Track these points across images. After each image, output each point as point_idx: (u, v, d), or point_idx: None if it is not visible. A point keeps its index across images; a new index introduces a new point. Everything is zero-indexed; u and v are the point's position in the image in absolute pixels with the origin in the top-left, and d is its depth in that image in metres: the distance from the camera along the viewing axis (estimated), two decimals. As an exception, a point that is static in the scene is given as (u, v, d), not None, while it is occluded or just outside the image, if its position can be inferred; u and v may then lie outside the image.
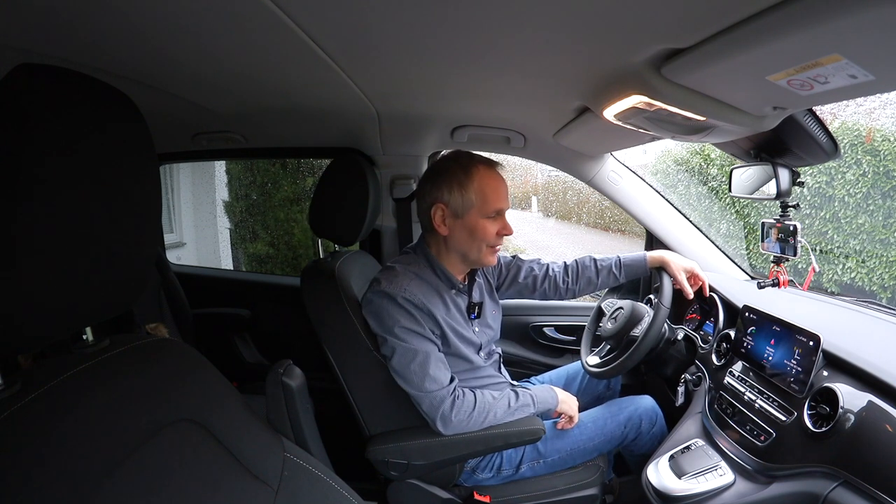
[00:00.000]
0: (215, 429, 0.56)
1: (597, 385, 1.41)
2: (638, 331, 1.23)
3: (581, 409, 1.22)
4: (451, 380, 1.04)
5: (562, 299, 1.38)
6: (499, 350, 1.28)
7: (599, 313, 1.43)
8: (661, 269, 1.28)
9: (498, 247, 1.12)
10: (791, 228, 1.09)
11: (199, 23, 0.67)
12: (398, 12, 0.61)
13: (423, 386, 1.01)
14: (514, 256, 1.35)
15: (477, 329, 1.18)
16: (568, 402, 1.18)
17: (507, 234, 1.10)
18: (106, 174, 0.47)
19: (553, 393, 1.16)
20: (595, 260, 1.34)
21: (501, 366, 1.29)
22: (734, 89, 0.70)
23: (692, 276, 1.28)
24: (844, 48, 0.49)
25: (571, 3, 0.55)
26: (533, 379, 1.45)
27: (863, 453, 0.75)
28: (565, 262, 1.36)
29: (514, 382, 1.27)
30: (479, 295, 1.21)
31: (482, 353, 1.18)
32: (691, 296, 1.26)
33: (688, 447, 1.03)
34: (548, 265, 1.35)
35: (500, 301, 1.30)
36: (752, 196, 1.16)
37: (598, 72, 0.79)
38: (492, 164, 1.10)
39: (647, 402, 1.27)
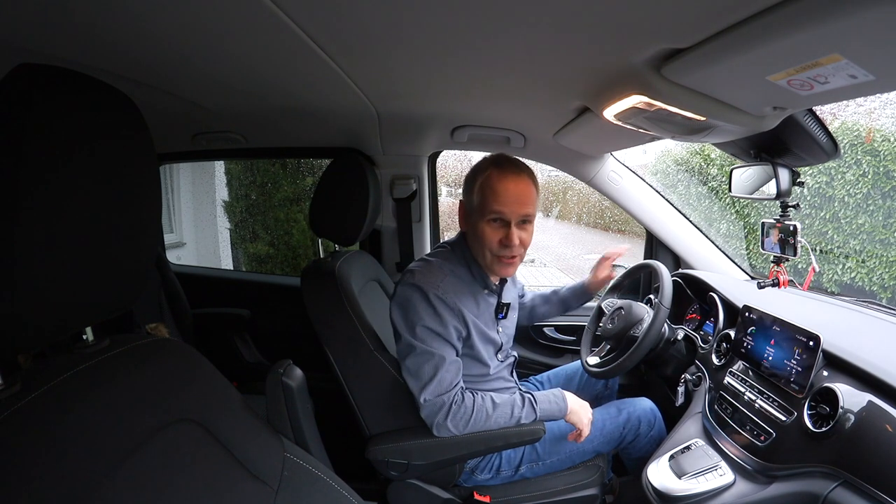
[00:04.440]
0: (215, 429, 0.56)
1: (595, 385, 1.41)
2: (638, 331, 1.23)
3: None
4: (455, 385, 1.03)
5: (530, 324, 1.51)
6: (514, 353, 1.27)
7: (599, 313, 1.43)
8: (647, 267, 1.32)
9: (508, 258, 1.04)
10: (791, 228, 1.09)
11: (200, 23, 0.67)
12: (398, 13, 0.61)
13: (428, 387, 1.00)
14: None
15: (500, 330, 1.17)
16: (579, 413, 1.10)
17: (507, 245, 1.01)
18: (106, 174, 0.47)
19: (564, 404, 1.10)
20: (556, 291, 1.45)
21: (514, 370, 1.29)
22: (734, 89, 0.70)
23: (605, 259, 1.40)
24: (844, 48, 0.49)
25: (571, 4, 0.55)
26: (532, 379, 1.45)
27: (863, 453, 0.75)
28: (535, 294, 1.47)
29: (522, 388, 1.26)
30: (510, 296, 1.21)
31: (500, 355, 1.18)
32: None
33: (688, 447, 1.03)
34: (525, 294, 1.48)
35: None
36: (752, 196, 1.16)
37: (598, 72, 0.79)
38: (506, 168, 1.03)
39: (646, 404, 1.27)
